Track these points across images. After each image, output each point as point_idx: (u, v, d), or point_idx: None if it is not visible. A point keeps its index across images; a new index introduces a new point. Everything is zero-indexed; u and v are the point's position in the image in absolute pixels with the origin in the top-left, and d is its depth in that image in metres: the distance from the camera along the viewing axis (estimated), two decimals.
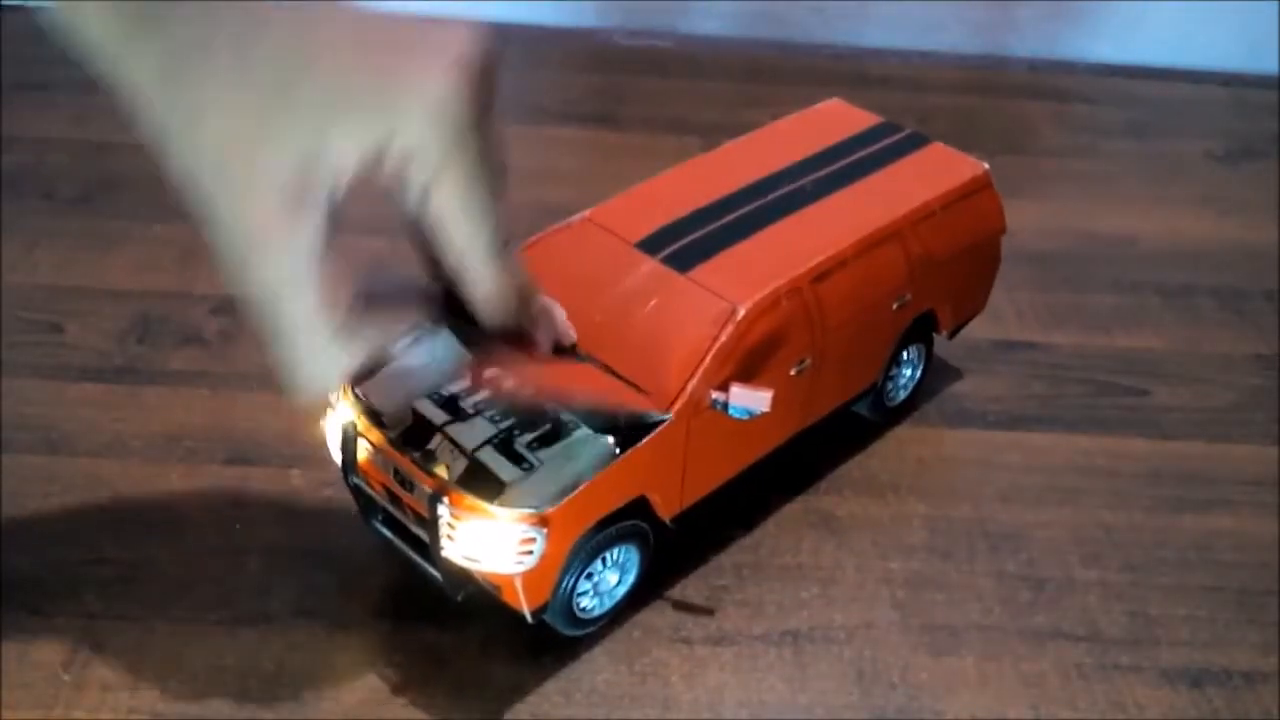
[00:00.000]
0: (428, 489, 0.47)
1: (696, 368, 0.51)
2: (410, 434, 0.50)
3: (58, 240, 0.76)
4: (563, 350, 0.51)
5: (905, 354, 0.64)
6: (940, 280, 0.63)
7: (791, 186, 0.60)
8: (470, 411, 0.50)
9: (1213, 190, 0.92)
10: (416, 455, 0.49)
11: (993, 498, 0.63)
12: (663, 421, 0.50)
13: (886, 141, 0.65)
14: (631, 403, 0.50)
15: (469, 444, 0.49)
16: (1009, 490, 0.64)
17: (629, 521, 0.51)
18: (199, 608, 0.54)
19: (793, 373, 0.55)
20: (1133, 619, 0.57)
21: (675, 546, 0.56)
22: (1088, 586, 0.59)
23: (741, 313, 0.52)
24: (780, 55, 1.07)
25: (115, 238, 0.77)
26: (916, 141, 0.65)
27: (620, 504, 0.50)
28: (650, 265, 0.54)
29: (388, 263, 0.41)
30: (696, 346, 0.51)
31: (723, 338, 0.51)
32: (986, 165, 0.64)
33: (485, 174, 0.39)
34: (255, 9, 0.36)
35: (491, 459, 0.49)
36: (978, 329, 0.71)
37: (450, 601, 0.51)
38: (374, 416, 0.51)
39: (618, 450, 0.49)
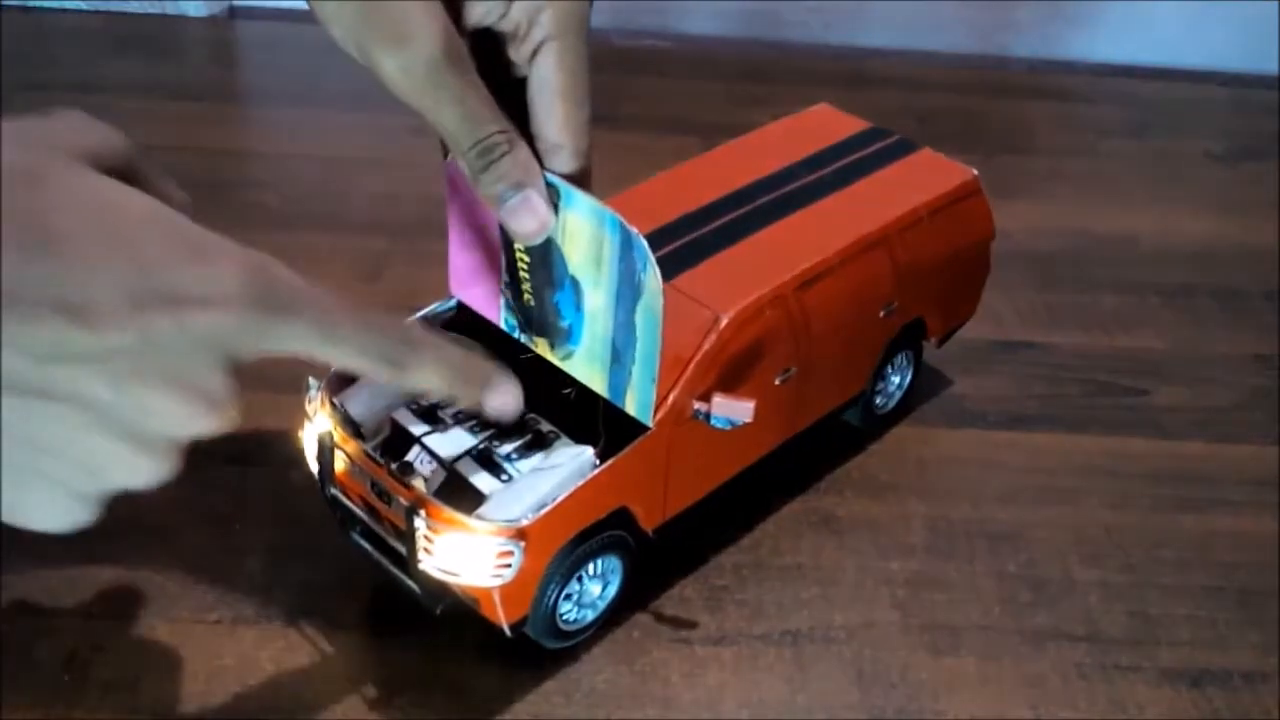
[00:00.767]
0: (404, 501, 0.47)
1: (679, 377, 0.50)
2: (388, 445, 0.50)
3: None
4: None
5: (894, 362, 0.64)
6: (929, 287, 0.62)
7: (777, 193, 0.59)
8: (449, 422, 0.50)
9: (1213, 190, 0.92)
10: (394, 467, 0.48)
11: (993, 498, 0.63)
12: (644, 432, 0.49)
13: (875, 147, 0.64)
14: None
15: (447, 455, 0.49)
16: (1009, 490, 0.64)
17: (611, 533, 0.51)
18: (199, 608, 0.54)
19: (777, 382, 0.55)
20: (1133, 619, 0.57)
21: (675, 547, 0.56)
22: (1088, 586, 0.59)
23: (724, 321, 0.51)
24: (779, 55, 1.07)
25: None
26: (905, 147, 0.64)
27: (601, 515, 0.49)
28: None
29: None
30: (679, 356, 0.50)
31: (705, 347, 0.51)
32: (975, 171, 0.63)
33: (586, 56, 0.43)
34: None
35: (470, 470, 0.48)
36: (978, 329, 0.71)
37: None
38: (351, 427, 0.50)
39: (598, 461, 0.49)
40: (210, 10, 1.05)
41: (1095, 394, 0.71)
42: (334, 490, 0.51)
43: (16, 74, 0.92)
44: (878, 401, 0.65)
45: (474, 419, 0.50)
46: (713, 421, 0.50)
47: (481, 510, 0.47)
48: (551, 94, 0.43)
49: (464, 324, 0.55)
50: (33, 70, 0.93)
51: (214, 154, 0.87)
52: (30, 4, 1.03)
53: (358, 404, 0.51)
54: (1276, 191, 0.92)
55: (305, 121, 0.93)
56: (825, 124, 0.66)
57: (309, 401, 0.51)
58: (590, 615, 0.53)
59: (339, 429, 0.50)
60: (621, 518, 0.51)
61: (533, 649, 0.52)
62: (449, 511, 0.46)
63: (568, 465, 0.48)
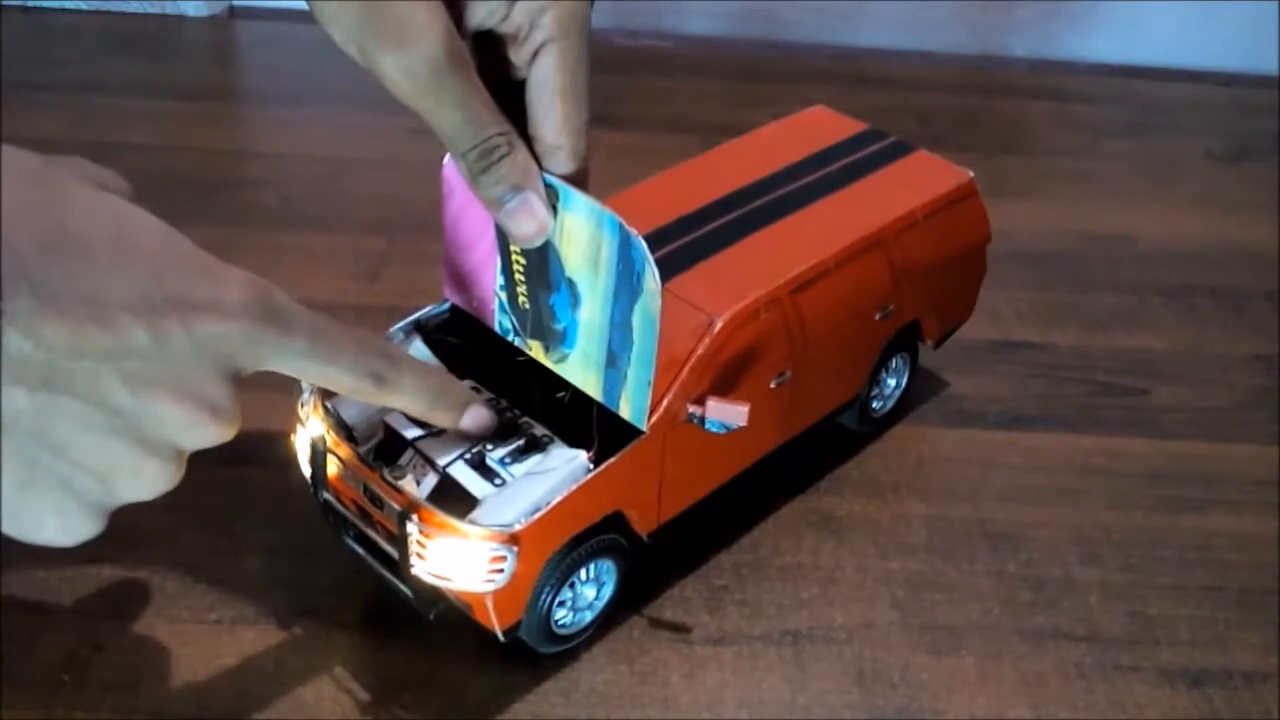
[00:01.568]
0: (397, 505, 0.46)
1: (673, 381, 0.49)
2: (381, 449, 0.50)
3: None
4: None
5: (890, 365, 0.64)
6: (925, 290, 0.62)
7: (772, 196, 0.59)
8: None
9: (1212, 190, 0.92)
10: (387, 471, 0.48)
11: (992, 498, 0.63)
12: (638, 436, 0.49)
13: (870, 149, 0.64)
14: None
15: (440, 459, 0.49)
16: (1009, 490, 0.64)
17: (605, 537, 0.50)
18: (199, 608, 0.54)
19: (773, 385, 0.55)
20: (1133, 619, 0.57)
21: (675, 548, 0.56)
22: (1088, 586, 0.59)
23: (719, 324, 0.51)
24: (779, 55, 1.07)
25: None
26: (901, 149, 0.64)
27: (595, 520, 0.49)
28: None
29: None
30: (673, 359, 0.50)
31: (700, 350, 0.50)
32: (971, 173, 0.63)
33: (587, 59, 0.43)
34: None
35: (463, 474, 0.48)
36: (977, 330, 0.71)
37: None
38: (344, 431, 0.50)
39: (591, 465, 0.48)
40: (210, 10, 1.05)
41: (1094, 394, 0.71)
42: (327, 495, 0.51)
43: (16, 74, 0.92)
44: (874, 405, 0.65)
45: None
46: (707, 425, 0.49)
47: (474, 515, 0.46)
48: (551, 95, 0.43)
49: (457, 328, 0.55)
50: (33, 70, 0.93)
51: (213, 154, 0.87)
52: (30, 4, 1.03)
53: (350, 408, 0.51)
54: (1276, 191, 0.92)
55: (305, 121, 0.93)
56: (821, 126, 0.66)
57: (301, 406, 0.50)
58: (585, 619, 0.53)
59: (331, 433, 0.49)
60: (616, 522, 0.51)
61: (531, 650, 0.52)
62: (441, 516, 0.46)
63: (561, 469, 0.48)
